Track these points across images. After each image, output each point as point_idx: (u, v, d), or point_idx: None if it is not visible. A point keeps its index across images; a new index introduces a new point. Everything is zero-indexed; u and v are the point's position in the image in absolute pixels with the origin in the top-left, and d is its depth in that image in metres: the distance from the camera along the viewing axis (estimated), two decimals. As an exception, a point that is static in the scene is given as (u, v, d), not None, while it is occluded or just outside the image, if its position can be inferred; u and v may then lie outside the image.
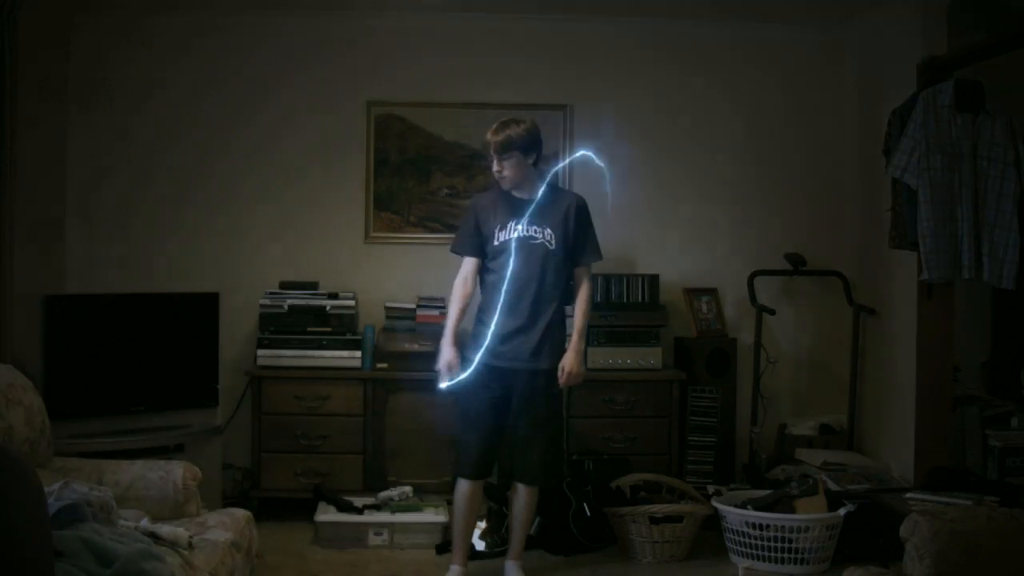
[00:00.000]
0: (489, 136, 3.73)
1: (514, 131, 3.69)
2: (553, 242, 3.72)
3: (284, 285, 4.89)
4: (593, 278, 4.87)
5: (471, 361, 3.73)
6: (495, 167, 3.74)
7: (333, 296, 4.86)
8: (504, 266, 3.71)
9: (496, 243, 3.74)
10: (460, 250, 3.87)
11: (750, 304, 5.04)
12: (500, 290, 3.70)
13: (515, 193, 3.78)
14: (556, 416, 3.90)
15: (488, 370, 3.72)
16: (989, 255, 4.07)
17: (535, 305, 3.71)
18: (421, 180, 5.14)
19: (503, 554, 4.01)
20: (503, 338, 3.70)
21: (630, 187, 5.20)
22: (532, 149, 3.73)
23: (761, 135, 5.26)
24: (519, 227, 3.72)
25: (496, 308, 3.71)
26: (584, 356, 4.76)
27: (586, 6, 5.01)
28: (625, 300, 4.95)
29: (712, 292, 5.17)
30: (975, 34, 4.33)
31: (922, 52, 4.43)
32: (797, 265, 5.14)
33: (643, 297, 4.96)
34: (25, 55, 4.35)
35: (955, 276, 4.16)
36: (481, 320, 3.79)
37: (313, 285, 4.90)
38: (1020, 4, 4.17)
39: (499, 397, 3.74)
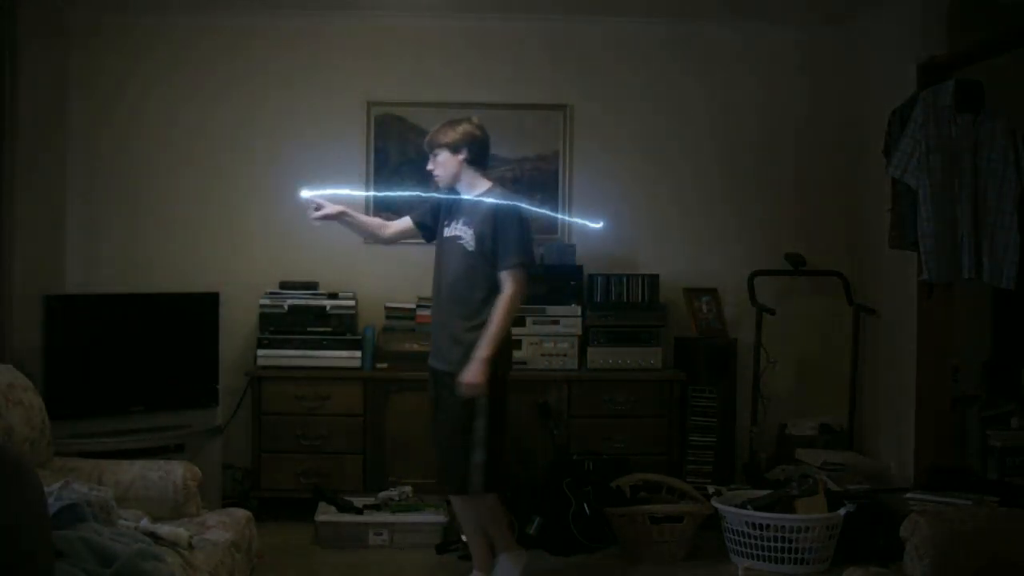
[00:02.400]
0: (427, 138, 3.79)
1: (443, 130, 3.71)
2: (472, 243, 3.61)
3: (284, 285, 4.89)
4: (593, 278, 4.93)
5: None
6: (429, 166, 3.77)
7: (333, 296, 4.86)
8: (437, 262, 3.74)
9: (441, 238, 3.75)
10: (409, 211, 3.92)
11: (750, 304, 5.04)
12: (436, 289, 3.75)
13: (458, 192, 3.74)
14: (468, 420, 3.57)
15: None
16: (989, 255, 4.07)
17: (451, 305, 3.64)
18: (421, 181, 5.12)
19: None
20: (432, 337, 3.77)
21: (630, 187, 5.21)
22: (461, 148, 3.68)
23: (761, 135, 5.26)
24: (453, 225, 3.69)
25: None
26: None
27: (586, 6, 5.01)
28: (625, 300, 4.95)
29: (712, 292, 5.17)
30: (975, 34, 4.33)
31: (922, 52, 4.43)
32: (797, 265, 5.14)
33: (643, 297, 4.96)
34: (25, 54, 4.36)
35: (955, 276, 4.16)
36: None
37: (313, 285, 4.90)
38: (1020, 4, 4.17)
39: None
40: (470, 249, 3.60)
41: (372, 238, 4.05)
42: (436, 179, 3.76)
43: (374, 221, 3.93)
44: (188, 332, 4.67)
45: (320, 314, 4.80)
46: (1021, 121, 4.14)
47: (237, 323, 4.87)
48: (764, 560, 4.00)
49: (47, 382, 4.15)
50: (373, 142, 5.13)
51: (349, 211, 3.82)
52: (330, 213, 3.73)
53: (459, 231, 3.65)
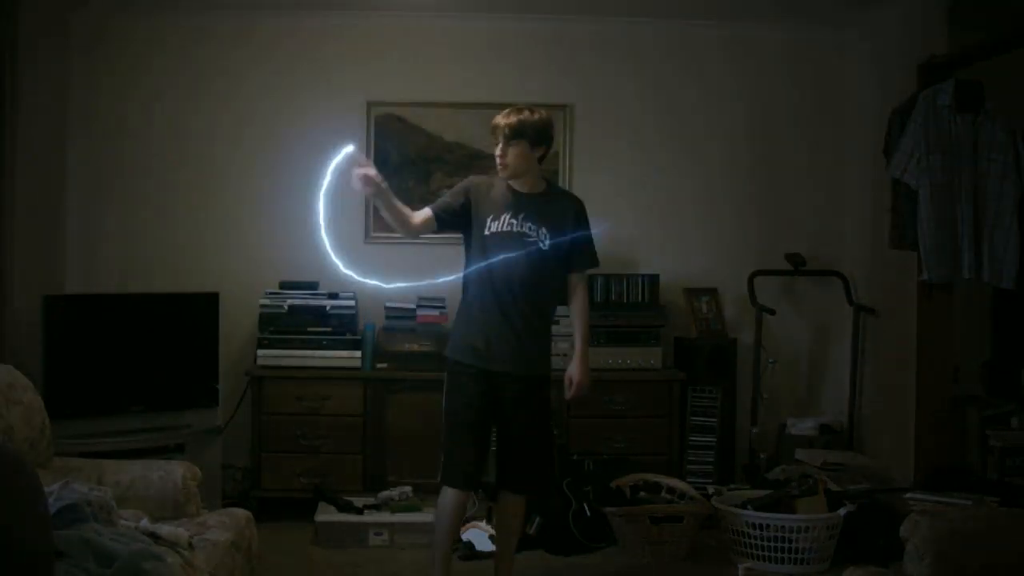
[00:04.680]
0: (499, 119, 3.48)
1: (527, 117, 3.45)
2: (547, 243, 3.49)
3: (284, 285, 4.88)
4: (593, 278, 4.93)
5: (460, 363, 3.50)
6: (498, 152, 3.47)
7: (333, 296, 4.86)
8: (495, 261, 3.44)
9: (487, 232, 3.46)
10: (432, 205, 3.54)
11: (750, 304, 5.04)
12: (489, 287, 3.44)
13: (513, 185, 3.52)
14: (547, 423, 3.69)
15: (478, 374, 3.46)
16: (989, 255, 4.07)
17: (527, 307, 3.47)
18: (421, 180, 5.14)
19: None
20: (492, 340, 3.44)
21: (630, 187, 5.22)
22: (541, 142, 3.50)
23: (761, 135, 5.26)
24: (514, 221, 3.46)
25: (484, 306, 3.45)
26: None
27: (586, 6, 5.01)
28: (625, 300, 4.95)
29: (712, 292, 5.17)
30: (975, 34, 4.33)
31: (922, 52, 4.43)
32: (797, 265, 5.14)
33: (643, 297, 4.96)
34: (25, 55, 4.36)
35: (955, 276, 4.16)
36: (467, 318, 3.52)
37: (313, 285, 4.90)
38: (1020, 4, 4.17)
39: (489, 403, 3.48)
40: (545, 249, 3.46)
41: (401, 227, 3.56)
42: (502, 168, 3.48)
43: (405, 207, 3.52)
44: (188, 332, 4.67)
45: (320, 314, 4.80)
46: (1021, 121, 4.14)
47: (237, 323, 4.87)
48: (764, 560, 4.00)
49: (47, 382, 4.15)
50: (373, 142, 5.13)
51: (387, 187, 3.47)
52: (373, 176, 3.35)
53: (527, 229, 3.46)
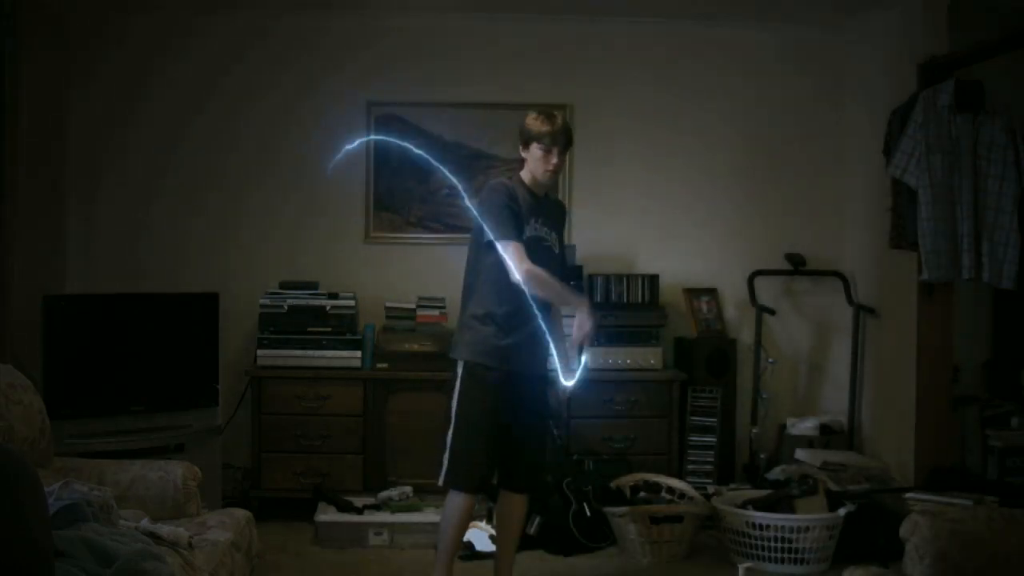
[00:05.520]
0: (555, 126, 3.38)
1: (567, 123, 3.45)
2: (558, 247, 3.54)
3: (284, 285, 4.89)
4: (592, 278, 4.94)
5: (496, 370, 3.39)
6: (553, 160, 3.38)
7: (333, 296, 4.86)
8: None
9: (525, 237, 3.37)
10: (516, 235, 3.33)
11: (750, 304, 5.04)
12: (522, 290, 3.33)
13: (532, 187, 3.46)
14: (548, 420, 3.74)
15: (502, 376, 3.39)
16: (989, 255, 4.08)
17: (543, 309, 3.43)
18: (421, 180, 5.13)
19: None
20: (522, 342, 3.40)
21: (630, 187, 5.21)
22: None
23: (761, 135, 5.26)
24: (537, 225, 3.43)
25: (518, 309, 3.35)
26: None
27: (586, 6, 5.01)
28: (625, 300, 4.95)
29: (712, 292, 5.17)
30: (976, 33, 4.33)
31: (922, 52, 4.44)
32: (797, 265, 5.15)
33: (643, 297, 4.96)
34: (25, 55, 4.36)
35: (955, 276, 4.16)
36: (493, 320, 3.41)
37: (313, 285, 4.90)
38: (1020, 4, 4.17)
39: (504, 406, 3.42)
40: (556, 252, 3.51)
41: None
42: (549, 174, 3.42)
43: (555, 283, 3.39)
44: (188, 332, 4.66)
45: (320, 314, 4.80)
46: (1021, 121, 4.15)
47: (237, 323, 4.87)
48: (764, 560, 4.00)
49: (47, 382, 4.15)
50: (374, 142, 5.12)
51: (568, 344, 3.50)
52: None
53: (544, 233, 3.46)
